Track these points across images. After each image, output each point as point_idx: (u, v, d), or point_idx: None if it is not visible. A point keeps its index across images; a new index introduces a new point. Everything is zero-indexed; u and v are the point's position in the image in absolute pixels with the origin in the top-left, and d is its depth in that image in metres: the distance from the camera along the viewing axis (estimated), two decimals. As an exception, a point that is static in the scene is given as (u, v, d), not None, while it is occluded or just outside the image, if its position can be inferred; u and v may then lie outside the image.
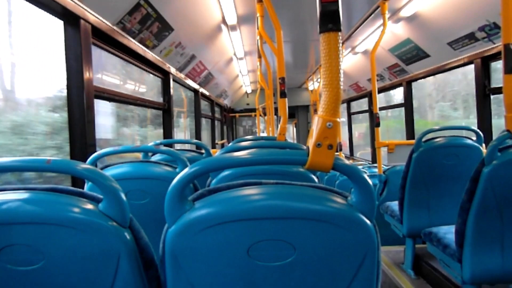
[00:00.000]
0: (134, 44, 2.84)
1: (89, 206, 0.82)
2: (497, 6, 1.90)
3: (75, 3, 1.98)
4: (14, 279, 0.80)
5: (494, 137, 2.17)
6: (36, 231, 0.78)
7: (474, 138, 2.35)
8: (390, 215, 2.80)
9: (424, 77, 4.73)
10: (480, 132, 2.35)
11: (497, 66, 3.38)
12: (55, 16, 2.03)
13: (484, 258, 1.63)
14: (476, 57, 3.41)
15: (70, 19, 2.06)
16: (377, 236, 0.81)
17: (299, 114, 12.66)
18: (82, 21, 2.07)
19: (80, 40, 2.08)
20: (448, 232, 1.93)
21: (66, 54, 2.11)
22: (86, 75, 2.13)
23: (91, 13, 2.15)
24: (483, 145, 2.35)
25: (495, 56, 3.24)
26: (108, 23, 2.37)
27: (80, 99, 2.11)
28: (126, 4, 2.47)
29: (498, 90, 3.34)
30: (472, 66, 3.55)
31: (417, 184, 2.36)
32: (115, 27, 2.48)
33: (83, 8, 2.06)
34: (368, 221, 0.80)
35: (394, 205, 2.75)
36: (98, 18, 2.23)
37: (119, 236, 0.80)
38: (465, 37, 3.41)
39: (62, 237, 0.79)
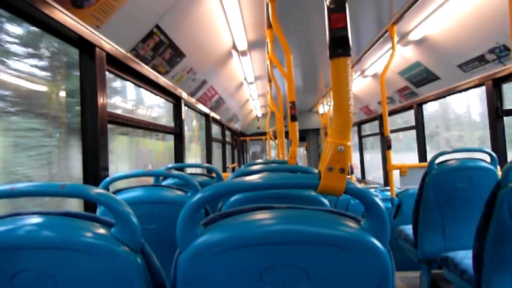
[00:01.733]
0: (147, 70, 2.90)
1: (102, 231, 0.82)
2: (506, 28, 1.91)
3: (91, 31, 2.05)
4: None
5: (509, 159, 2.13)
6: (49, 256, 0.79)
7: (488, 160, 2.32)
8: (404, 239, 2.74)
9: (434, 100, 4.72)
10: (494, 154, 2.31)
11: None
12: (72, 44, 2.10)
13: (503, 284, 1.58)
14: (487, 79, 3.41)
15: (86, 47, 2.12)
16: (392, 261, 0.80)
17: (310, 137, 12.66)
18: (97, 49, 2.13)
19: (95, 67, 2.14)
20: (465, 257, 1.88)
21: (81, 81, 2.17)
22: (100, 100, 2.18)
23: (106, 41, 2.21)
24: (498, 167, 2.32)
25: (507, 78, 3.23)
26: (122, 50, 2.44)
27: (94, 124, 2.15)
28: (140, 32, 2.54)
29: (510, 112, 3.31)
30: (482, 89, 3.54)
31: (431, 208, 2.32)
32: (129, 54, 2.55)
33: (99, 36, 2.13)
34: (381, 246, 0.79)
35: (408, 229, 2.69)
36: (113, 46, 2.30)
37: (131, 260, 0.80)
38: (475, 59, 3.42)
39: (74, 262, 0.79)
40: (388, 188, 3.69)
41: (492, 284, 1.58)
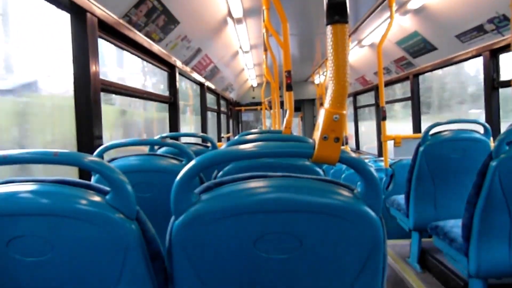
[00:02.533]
0: (140, 37, 2.84)
1: (96, 198, 0.82)
2: (506, -3, 1.88)
3: None
4: (23, 270, 0.82)
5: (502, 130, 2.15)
6: (44, 223, 0.79)
7: (482, 132, 2.33)
8: (396, 208, 2.79)
9: (431, 70, 4.69)
10: (488, 126, 2.32)
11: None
12: (62, 9, 2.04)
13: (491, 252, 1.62)
14: (485, 49, 3.37)
15: (77, 12, 2.06)
16: (384, 229, 0.81)
17: (305, 107, 12.62)
18: (88, 14, 2.07)
19: (87, 33, 2.09)
20: (454, 226, 1.93)
21: (72, 47, 2.12)
22: (93, 68, 2.14)
23: (97, 6, 2.15)
24: (491, 138, 2.33)
25: (504, 49, 3.20)
26: (114, 16, 2.37)
27: (87, 92, 2.12)
28: (132, -3, 2.47)
29: (507, 84, 3.31)
30: (480, 59, 3.51)
31: (424, 178, 2.35)
32: (121, 20, 2.48)
33: (89, 1, 2.06)
34: (374, 214, 0.80)
35: (401, 198, 2.74)
36: (104, 11, 2.23)
37: (126, 228, 0.81)
38: (473, 30, 3.37)
39: (70, 229, 0.80)
40: (382, 158, 3.72)
41: (479, 252, 1.63)
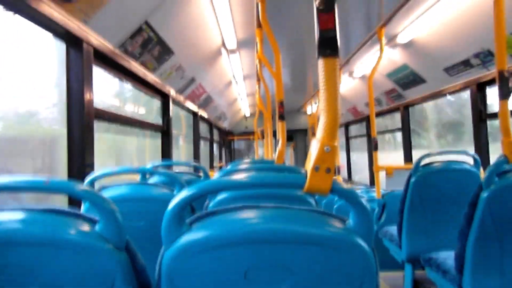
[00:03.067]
0: (135, 66, 2.88)
1: (86, 228, 0.81)
2: (491, 33, 1.95)
3: (79, 26, 2.02)
4: None
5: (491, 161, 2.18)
6: (32, 253, 0.78)
7: (472, 163, 2.36)
8: (389, 239, 2.77)
9: (421, 102, 4.79)
10: (478, 157, 2.36)
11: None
12: (59, 38, 2.07)
13: (484, 284, 1.61)
14: (472, 83, 3.47)
15: (73, 41, 2.09)
16: (376, 260, 0.81)
17: (297, 137, 12.71)
18: (85, 44, 2.11)
19: (82, 62, 2.11)
20: (447, 258, 1.91)
21: (67, 75, 2.14)
22: (87, 96, 2.15)
23: (93, 36, 2.18)
24: (481, 169, 2.36)
25: (491, 83, 3.29)
26: (110, 46, 2.41)
27: (80, 119, 2.12)
28: (129, 27, 2.51)
29: (494, 116, 3.38)
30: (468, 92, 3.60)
31: (416, 209, 2.35)
32: (117, 50, 2.52)
33: (86, 31, 2.10)
34: (366, 246, 0.80)
35: (393, 229, 2.73)
36: (100, 41, 2.27)
37: (115, 258, 0.80)
38: (460, 64, 3.47)
39: (57, 259, 0.78)
40: (374, 189, 3.72)
41: (472, 283, 1.62)
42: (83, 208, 1.53)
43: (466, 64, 3.41)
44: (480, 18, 2.87)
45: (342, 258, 0.79)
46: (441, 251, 2.06)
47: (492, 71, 3.18)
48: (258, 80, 4.82)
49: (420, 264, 2.22)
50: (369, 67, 4.80)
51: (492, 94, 3.45)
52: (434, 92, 4.22)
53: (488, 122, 3.47)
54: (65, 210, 0.85)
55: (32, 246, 0.78)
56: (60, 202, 2.16)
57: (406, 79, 4.55)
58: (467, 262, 1.61)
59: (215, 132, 8.36)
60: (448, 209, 2.33)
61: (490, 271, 1.60)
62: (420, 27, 3.47)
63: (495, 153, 3.49)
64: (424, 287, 2.45)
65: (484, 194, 1.54)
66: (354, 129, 8.43)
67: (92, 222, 0.84)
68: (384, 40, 3.36)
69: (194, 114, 5.87)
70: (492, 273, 1.61)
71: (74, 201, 2.06)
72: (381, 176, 3.67)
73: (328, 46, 0.84)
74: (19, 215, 0.81)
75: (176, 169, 3.93)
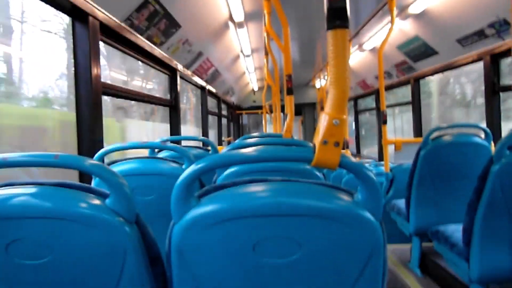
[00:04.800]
0: (141, 41, 2.85)
1: (96, 202, 0.83)
2: (507, 2, 1.88)
3: (84, 0, 1.99)
4: (22, 273, 0.82)
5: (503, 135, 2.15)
6: (44, 226, 0.79)
7: (483, 136, 2.33)
8: (396, 213, 2.78)
9: (432, 74, 4.70)
10: (489, 130, 2.32)
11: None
12: (64, 12, 2.05)
13: (492, 257, 1.62)
14: (486, 54, 3.38)
15: (79, 15, 2.07)
16: (384, 234, 0.81)
17: (306, 111, 12.62)
18: (90, 18, 2.08)
19: (89, 36, 2.09)
20: (455, 231, 1.92)
21: (74, 50, 2.13)
22: (94, 71, 2.15)
23: (99, 10, 2.16)
24: (492, 143, 2.33)
25: (505, 53, 3.20)
26: (116, 20, 2.38)
27: (88, 95, 2.13)
28: (134, 1, 2.47)
29: (507, 88, 3.31)
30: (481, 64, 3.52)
31: (424, 182, 2.35)
32: (123, 24, 2.49)
33: (91, 4, 2.07)
34: (374, 219, 0.80)
35: (401, 203, 2.73)
36: (106, 15, 2.24)
37: (126, 231, 0.81)
38: (474, 34, 3.37)
39: (69, 232, 0.80)
40: (382, 163, 3.71)
41: (480, 257, 1.62)
42: (93, 183, 1.55)
43: (480, 34, 3.31)
44: (496, -14, 2.76)
45: (350, 232, 0.79)
46: (449, 224, 2.06)
47: (507, 41, 3.09)
48: (266, 53, 4.75)
49: (428, 237, 2.23)
50: (379, 39, 4.70)
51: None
52: (446, 64, 4.13)
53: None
54: (76, 184, 0.86)
55: (45, 220, 0.79)
56: (71, 177, 2.19)
57: (418, 51, 4.44)
58: (475, 235, 1.62)
59: (223, 106, 8.34)
60: (457, 183, 2.32)
61: (498, 245, 1.61)
62: (433, -4, 3.36)
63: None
64: (431, 259, 2.47)
65: (495, 167, 1.53)
66: (363, 102, 8.35)
67: (102, 196, 0.85)
68: (395, 11, 3.26)
69: (202, 89, 5.84)
70: (501, 247, 1.61)
71: (85, 177, 2.09)
72: (390, 150, 3.65)
73: (337, 17, 0.82)
74: (31, 190, 0.82)
75: (184, 144, 3.95)
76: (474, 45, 3.50)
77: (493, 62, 3.35)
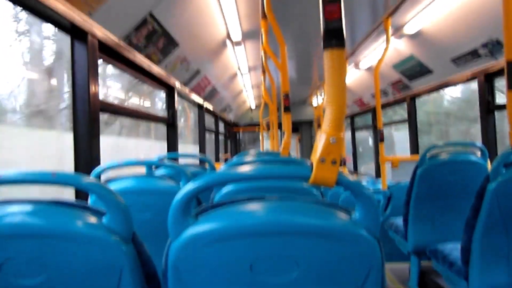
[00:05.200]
0: (139, 59, 2.87)
1: (93, 220, 0.82)
2: (499, 23, 1.92)
3: (84, 19, 2.02)
4: None
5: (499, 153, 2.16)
6: (39, 244, 0.79)
7: (479, 154, 2.34)
8: (394, 231, 2.77)
9: (427, 93, 4.75)
10: (485, 148, 2.34)
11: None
12: (63, 31, 2.07)
13: (490, 276, 1.60)
14: (480, 73, 3.43)
15: (78, 34, 2.09)
16: (382, 252, 0.81)
17: (303, 129, 12.67)
18: (89, 36, 2.10)
19: (87, 54, 2.11)
20: (453, 249, 1.91)
21: (72, 68, 2.14)
22: (92, 89, 2.16)
23: (98, 28, 2.18)
24: (488, 161, 2.34)
25: (499, 73, 3.25)
26: (114, 38, 2.41)
27: (85, 112, 2.13)
28: (133, 19, 2.51)
29: (502, 107, 3.34)
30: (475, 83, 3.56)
31: (422, 200, 2.34)
32: (121, 42, 2.52)
33: (90, 23, 2.10)
34: (372, 237, 0.80)
35: (399, 221, 2.72)
36: (105, 34, 2.27)
37: (122, 250, 0.80)
38: (468, 54, 3.43)
39: (64, 251, 0.79)
40: (379, 180, 3.71)
41: (479, 275, 1.61)
42: (90, 200, 1.54)
43: (473, 54, 3.36)
44: (489, 7, 2.82)
45: (348, 250, 0.79)
46: (447, 243, 2.05)
47: (500, 61, 3.14)
48: (264, 71, 4.80)
49: (426, 255, 2.22)
50: (375, 58, 4.76)
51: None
52: (441, 82, 4.18)
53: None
54: (72, 202, 0.86)
55: (40, 238, 0.78)
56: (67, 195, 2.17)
57: (413, 70, 4.50)
58: (474, 254, 1.61)
59: (221, 124, 8.37)
60: (454, 201, 2.32)
61: (497, 264, 1.60)
62: (427, 17, 3.42)
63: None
64: (430, 278, 2.44)
65: (492, 186, 1.53)
66: (360, 120, 8.39)
67: (99, 214, 0.84)
68: (390, 31, 3.32)
69: (200, 106, 5.87)
70: (500, 266, 1.60)
71: (81, 194, 2.08)
72: (387, 168, 3.66)
73: (334, 36, 0.83)
74: (26, 207, 0.82)
75: (181, 161, 3.94)
76: (468, 64, 3.55)
77: (487, 81, 3.40)
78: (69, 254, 0.79)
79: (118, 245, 0.80)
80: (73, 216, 0.81)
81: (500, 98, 3.42)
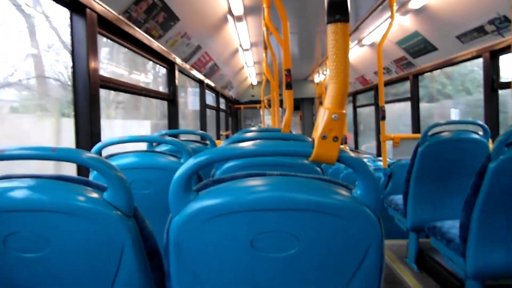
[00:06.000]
0: (139, 34, 2.83)
1: (94, 195, 0.82)
2: (507, -1, 1.87)
3: None
4: (20, 266, 0.81)
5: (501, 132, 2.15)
6: (41, 219, 0.79)
7: (481, 133, 2.33)
8: (394, 208, 2.79)
9: (431, 71, 4.69)
10: (487, 127, 2.32)
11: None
12: (62, 5, 2.03)
13: (488, 253, 1.62)
14: (485, 50, 3.37)
15: (77, 8, 2.05)
16: (381, 228, 0.81)
17: (305, 106, 12.62)
18: (88, 10, 2.07)
19: (86, 29, 2.08)
20: (452, 227, 1.93)
21: (72, 43, 2.11)
22: (92, 64, 2.13)
23: (97, 2, 2.14)
24: (490, 140, 2.33)
25: (504, 50, 3.20)
26: (114, 12, 2.37)
27: (85, 88, 2.11)
28: (132, -7, 2.46)
29: (506, 85, 3.31)
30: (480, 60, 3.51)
31: (422, 178, 2.35)
32: (121, 17, 2.47)
33: None
34: (372, 214, 0.80)
35: (399, 198, 2.74)
36: (104, 7, 2.23)
37: (124, 225, 0.81)
38: (474, 30, 3.37)
39: (67, 225, 0.79)
40: (380, 158, 3.72)
41: (476, 253, 1.63)
42: (91, 176, 1.55)
43: (480, 31, 3.30)
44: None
45: (348, 226, 0.79)
46: (446, 220, 2.07)
47: (507, 38, 3.08)
48: (265, 48, 4.73)
49: (425, 232, 2.24)
50: (379, 35, 4.68)
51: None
52: (445, 60, 4.12)
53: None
54: (74, 178, 0.86)
55: (42, 213, 0.79)
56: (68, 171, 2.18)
57: (417, 47, 4.43)
58: (472, 232, 1.62)
59: (222, 101, 8.32)
60: (455, 179, 2.33)
61: (494, 241, 1.61)
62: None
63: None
64: (428, 255, 2.48)
65: (493, 164, 1.53)
66: (362, 98, 8.34)
67: (100, 189, 0.85)
68: (395, 6, 3.25)
69: (200, 83, 5.82)
70: (497, 243, 1.62)
71: (83, 170, 2.08)
72: (388, 146, 3.66)
73: (338, 10, 0.81)
74: (28, 183, 0.82)
75: (182, 137, 3.94)
76: (473, 41, 3.49)
77: (492, 59, 3.35)
78: (71, 228, 0.79)
79: (119, 220, 0.80)
80: (74, 191, 0.82)
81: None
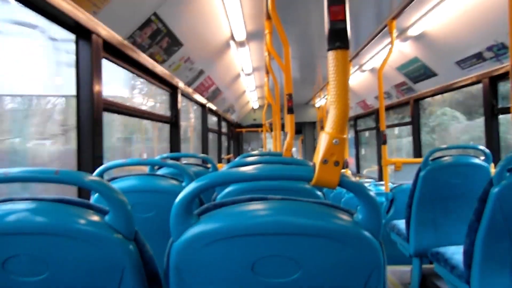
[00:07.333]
0: (143, 58, 2.88)
1: (95, 218, 0.82)
2: (505, 26, 1.91)
3: (88, 17, 2.02)
4: None
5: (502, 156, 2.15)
6: (41, 242, 0.79)
7: (482, 158, 2.33)
8: (396, 233, 2.76)
9: (431, 96, 4.73)
10: (488, 152, 2.33)
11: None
12: (68, 30, 2.08)
13: (492, 280, 1.59)
14: (484, 76, 3.41)
15: (83, 33, 2.10)
16: (383, 254, 0.80)
17: (306, 130, 12.67)
18: (94, 36, 2.11)
19: (91, 53, 2.12)
20: (456, 253, 1.90)
21: (76, 67, 2.15)
22: (96, 88, 2.16)
23: (103, 28, 2.19)
24: (492, 164, 2.33)
25: (503, 76, 3.24)
26: (119, 37, 2.42)
27: (89, 111, 2.14)
28: (137, 19, 2.51)
29: (506, 110, 3.33)
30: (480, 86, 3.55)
31: (424, 203, 2.33)
32: (125, 42, 2.52)
33: (95, 22, 2.10)
34: (374, 239, 0.79)
35: (401, 223, 2.71)
36: (109, 33, 2.28)
37: (124, 248, 0.80)
38: (473, 57, 3.42)
39: (67, 248, 0.79)
40: (382, 183, 3.70)
41: (481, 279, 1.60)
42: (92, 199, 1.55)
43: (478, 57, 3.35)
44: (494, 10, 2.81)
45: (349, 251, 0.78)
46: (450, 246, 2.05)
47: (505, 65, 3.12)
48: (267, 72, 4.79)
49: (428, 258, 2.21)
50: (379, 60, 4.75)
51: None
52: (445, 85, 4.17)
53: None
54: (75, 200, 0.86)
55: (42, 236, 0.78)
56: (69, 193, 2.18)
57: (417, 72, 4.49)
58: (476, 258, 1.60)
59: (223, 124, 8.37)
60: (457, 204, 2.31)
61: (499, 268, 1.59)
62: (432, 19, 3.41)
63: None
64: (431, 281, 2.43)
65: (495, 189, 1.52)
66: (363, 123, 8.38)
67: (101, 212, 0.84)
68: (395, 33, 3.31)
69: (203, 107, 5.87)
70: (502, 270, 1.59)
71: (84, 192, 2.08)
72: (390, 170, 3.65)
73: (338, 38, 0.83)
74: (28, 205, 0.82)
75: (184, 161, 3.94)
76: (473, 67, 3.54)
77: (491, 85, 3.38)
78: (71, 252, 0.79)
79: (120, 244, 0.80)
80: (75, 214, 0.81)
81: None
